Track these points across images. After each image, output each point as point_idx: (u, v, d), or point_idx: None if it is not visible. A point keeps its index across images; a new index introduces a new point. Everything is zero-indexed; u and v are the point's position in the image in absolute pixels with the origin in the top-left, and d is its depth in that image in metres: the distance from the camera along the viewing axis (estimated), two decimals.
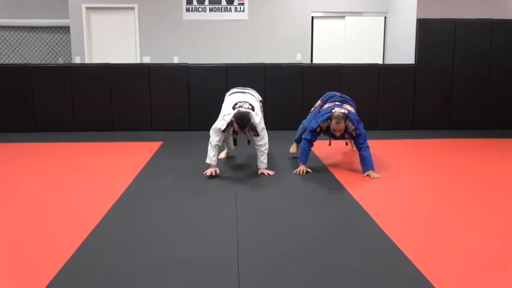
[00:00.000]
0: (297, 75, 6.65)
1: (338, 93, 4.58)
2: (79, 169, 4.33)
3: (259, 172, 4.10)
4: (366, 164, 4.04)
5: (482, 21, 6.58)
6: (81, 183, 3.86)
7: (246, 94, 4.28)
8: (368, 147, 4.06)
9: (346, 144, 4.84)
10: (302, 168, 4.13)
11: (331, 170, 4.29)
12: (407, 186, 3.81)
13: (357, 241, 2.64)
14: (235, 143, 4.68)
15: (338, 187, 3.74)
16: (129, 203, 3.34)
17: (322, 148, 4.75)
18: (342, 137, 4.17)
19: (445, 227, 2.86)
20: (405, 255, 2.43)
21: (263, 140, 4.03)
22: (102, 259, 2.40)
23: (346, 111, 4.03)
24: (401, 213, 3.15)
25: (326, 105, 4.31)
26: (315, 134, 4.13)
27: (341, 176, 4.06)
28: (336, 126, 3.93)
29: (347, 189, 3.68)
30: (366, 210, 3.17)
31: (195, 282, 2.15)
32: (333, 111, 4.01)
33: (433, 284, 2.12)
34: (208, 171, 3.97)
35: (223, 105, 4.22)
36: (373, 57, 7.98)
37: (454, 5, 6.73)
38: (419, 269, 2.27)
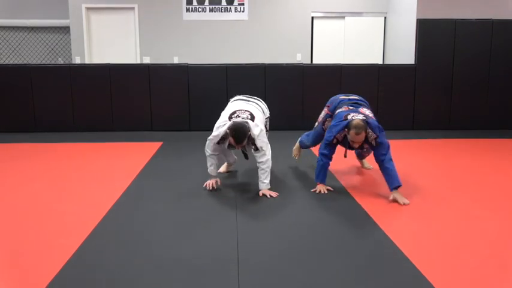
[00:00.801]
0: (297, 75, 6.65)
1: (344, 96, 3.92)
2: (79, 169, 4.33)
3: (260, 194, 3.50)
4: (392, 176, 3.31)
5: (482, 21, 6.58)
6: (81, 183, 3.86)
7: (251, 103, 3.74)
8: (391, 159, 3.38)
9: (345, 156, 3.76)
10: (321, 187, 3.55)
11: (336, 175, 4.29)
12: (406, 186, 3.80)
13: (357, 241, 2.64)
14: (246, 157, 3.93)
15: (341, 190, 3.74)
16: (129, 203, 3.34)
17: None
18: (360, 147, 3.55)
19: (445, 227, 2.86)
20: (405, 255, 2.43)
21: (265, 156, 3.43)
22: (102, 259, 2.40)
23: (365, 117, 3.43)
24: (401, 213, 3.15)
25: (338, 110, 3.68)
26: (333, 146, 3.52)
27: (341, 176, 4.06)
28: (356, 137, 3.30)
29: (345, 187, 3.68)
30: (366, 210, 3.17)
31: (195, 283, 2.15)
32: (350, 117, 3.41)
33: (433, 284, 2.12)
34: (208, 184, 3.59)
35: (222, 113, 3.67)
36: (373, 57, 7.98)
37: (454, 5, 6.73)
38: (419, 269, 2.27)
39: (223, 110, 3.77)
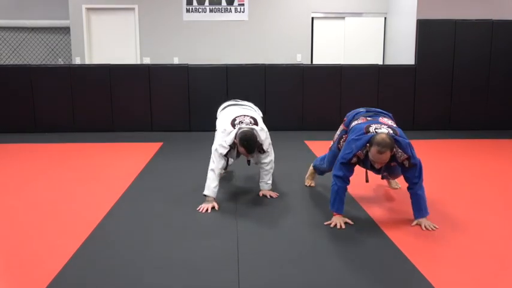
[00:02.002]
0: (297, 76, 6.65)
1: (362, 109, 3.30)
2: (79, 169, 4.33)
3: (260, 194, 3.46)
4: (421, 207, 2.86)
5: (482, 21, 6.58)
6: (81, 183, 3.86)
7: (244, 107, 3.57)
8: (422, 182, 2.88)
9: (367, 181, 3.15)
10: (337, 220, 2.88)
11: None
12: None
13: (357, 241, 2.64)
14: (248, 163, 3.48)
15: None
16: (129, 203, 3.34)
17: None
18: (386, 168, 2.97)
19: (445, 227, 2.85)
20: (405, 256, 2.43)
21: (269, 157, 3.34)
22: (102, 259, 2.40)
23: (391, 131, 2.82)
24: (401, 213, 3.14)
25: (354, 123, 3.07)
26: (351, 166, 2.88)
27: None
28: (378, 156, 2.70)
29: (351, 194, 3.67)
30: (366, 210, 3.16)
31: (195, 283, 2.15)
32: (373, 129, 2.83)
33: (433, 284, 2.12)
34: (203, 208, 3.15)
35: (217, 123, 3.46)
36: (373, 58, 7.97)
37: (454, 6, 6.73)
38: (419, 269, 2.27)
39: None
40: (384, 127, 2.85)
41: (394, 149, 2.75)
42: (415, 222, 2.88)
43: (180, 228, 2.84)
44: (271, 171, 3.42)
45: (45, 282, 2.13)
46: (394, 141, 2.74)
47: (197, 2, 7.84)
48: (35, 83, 6.49)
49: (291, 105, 6.66)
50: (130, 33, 7.95)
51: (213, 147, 3.22)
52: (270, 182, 3.44)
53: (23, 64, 7.57)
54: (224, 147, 3.14)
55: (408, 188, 2.91)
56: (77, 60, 7.87)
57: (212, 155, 3.20)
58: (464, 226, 2.88)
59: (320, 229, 2.82)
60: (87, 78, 6.53)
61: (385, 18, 8.02)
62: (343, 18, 8.05)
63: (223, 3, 7.87)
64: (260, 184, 3.47)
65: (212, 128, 3.69)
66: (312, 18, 8.02)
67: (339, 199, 2.87)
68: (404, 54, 7.12)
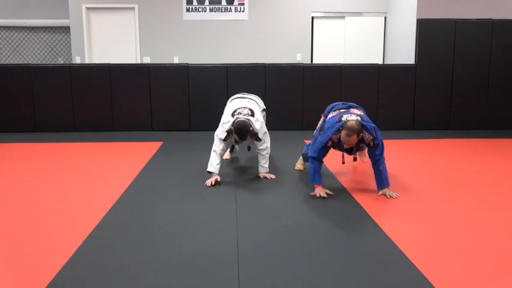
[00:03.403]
0: (297, 75, 6.65)
1: (340, 102, 3.96)
2: (79, 169, 4.33)
3: (260, 176, 3.98)
4: (382, 180, 3.46)
5: (482, 21, 6.58)
6: (81, 183, 3.86)
7: (247, 100, 4.17)
8: (384, 159, 3.48)
9: (355, 160, 3.96)
10: (319, 191, 3.45)
11: (333, 172, 4.29)
12: (407, 186, 3.80)
13: (357, 241, 2.64)
14: (248, 149, 4.28)
15: (337, 186, 3.74)
16: (129, 203, 3.34)
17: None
18: (357, 149, 3.54)
19: (445, 227, 2.86)
20: (405, 256, 2.43)
21: (264, 144, 3.89)
22: (102, 259, 2.40)
23: (359, 118, 3.40)
24: (401, 213, 3.15)
25: (330, 115, 3.69)
26: (326, 149, 3.49)
27: (340, 176, 4.06)
28: (347, 139, 3.29)
29: (346, 187, 3.68)
30: (366, 210, 3.17)
31: (195, 282, 2.15)
32: (344, 118, 3.40)
33: (433, 284, 2.12)
34: (209, 182, 3.76)
35: (224, 112, 4.11)
36: (373, 57, 7.98)
37: (454, 5, 6.73)
38: (419, 269, 2.27)
39: (223, 109, 4.21)
40: (353, 116, 3.43)
41: (362, 134, 3.35)
42: (380, 193, 3.47)
43: (180, 227, 2.84)
44: (267, 156, 3.98)
45: (45, 282, 2.13)
46: (361, 126, 3.32)
47: (197, 2, 7.84)
48: (35, 83, 6.49)
49: (291, 104, 6.67)
50: (130, 32, 7.95)
51: (215, 133, 3.88)
52: (266, 165, 3.98)
53: (23, 63, 7.57)
54: (223, 133, 3.81)
55: (372, 165, 3.50)
56: (77, 60, 7.87)
57: (215, 139, 3.86)
58: (464, 225, 2.88)
59: (319, 228, 2.82)
60: (87, 78, 6.53)
61: (385, 17, 8.02)
62: (343, 17, 8.05)
63: (223, 2, 7.87)
64: (259, 168, 4.01)
65: (212, 128, 4.23)
66: (312, 18, 8.02)
67: (318, 174, 3.47)
68: (404, 53, 7.12)
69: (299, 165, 4.33)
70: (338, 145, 3.45)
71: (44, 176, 4.09)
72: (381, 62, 7.96)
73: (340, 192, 3.59)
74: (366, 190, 3.66)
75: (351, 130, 3.25)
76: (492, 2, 6.75)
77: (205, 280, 2.17)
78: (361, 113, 3.56)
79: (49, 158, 4.81)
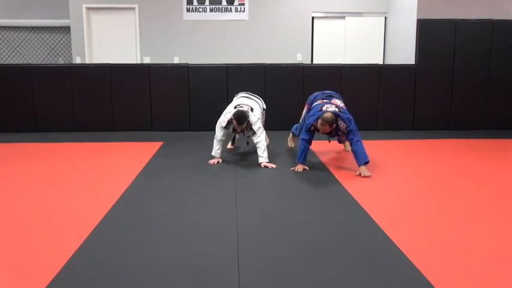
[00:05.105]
0: (297, 75, 6.65)
1: (319, 92, 4.69)
2: (79, 169, 4.33)
3: (262, 165, 4.36)
4: (358, 157, 4.05)
5: (482, 21, 6.58)
6: (81, 183, 3.86)
7: (251, 100, 4.69)
8: (359, 140, 4.08)
9: (329, 141, 5.04)
10: (299, 167, 4.24)
11: (329, 167, 4.29)
12: (407, 186, 3.81)
13: (357, 241, 2.64)
14: (247, 144, 5.09)
15: (338, 187, 3.74)
16: (129, 203, 3.34)
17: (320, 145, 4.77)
18: (336, 134, 4.30)
19: (445, 227, 2.86)
20: (405, 255, 2.43)
21: (259, 137, 4.40)
22: (102, 259, 2.40)
23: (337, 109, 4.12)
24: (401, 213, 3.15)
25: (315, 104, 4.41)
26: (311, 132, 4.21)
27: (339, 173, 4.06)
28: (320, 127, 4.09)
29: (347, 189, 3.68)
30: (366, 210, 3.17)
31: (195, 283, 2.15)
32: (325, 108, 4.13)
33: (433, 284, 2.12)
34: (212, 161, 4.50)
35: (228, 105, 4.65)
36: (374, 57, 7.98)
37: (454, 5, 6.73)
38: (419, 269, 2.27)
39: (223, 109, 4.61)
40: (332, 106, 4.17)
41: (337, 123, 4.08)
42: (358, 172, 4.02)
43: (180, 228, 2.84)
44: (264, 147, 4.42)
45: (45, 282, 2.13)
46: (336, 118, 4.06)
47: (197, 2, 7.84)
48: (35, 83, 6.49)
49: (291, 104, 6.66)
50: (131, 32, 7.95)
51: (218, 121, 4.47)
52: (264, 154, 4.41)
53: (24, 63, 7.57)
54: (224, 121, 4.41)
55: (351, 146, 4.14)
56: (77, 60, 7.87)
57: (216, 127, 4.47)
58: (464, 225, 2.88)
59: (319, 228, 2.82)
60: (88, 78, 6.54)
61: (385, 17, 8.02)
62: (344, 17, 8.05)
63: (224, 2, 7.87)
64: (259, 158, 4.43)
65: (212, 128, 4.57)
66: (312, 18, 8.02)
67: (304, 155, 4.24)
68: (404, 53, 7.12)
69: (290, 142, 5.22)
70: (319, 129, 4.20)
71: (44, 176, 4.09)
72: (381, 62, 7.96)
73: (340, 192, 3.60)
74: (366, 191, 3.67)
75: (325, 121, 4.03)
76: (492, 2, 6.75)
77: (206, 280, 2.17)
78: (340, 105, 4.30)
79: (49, 158, 4.81)
